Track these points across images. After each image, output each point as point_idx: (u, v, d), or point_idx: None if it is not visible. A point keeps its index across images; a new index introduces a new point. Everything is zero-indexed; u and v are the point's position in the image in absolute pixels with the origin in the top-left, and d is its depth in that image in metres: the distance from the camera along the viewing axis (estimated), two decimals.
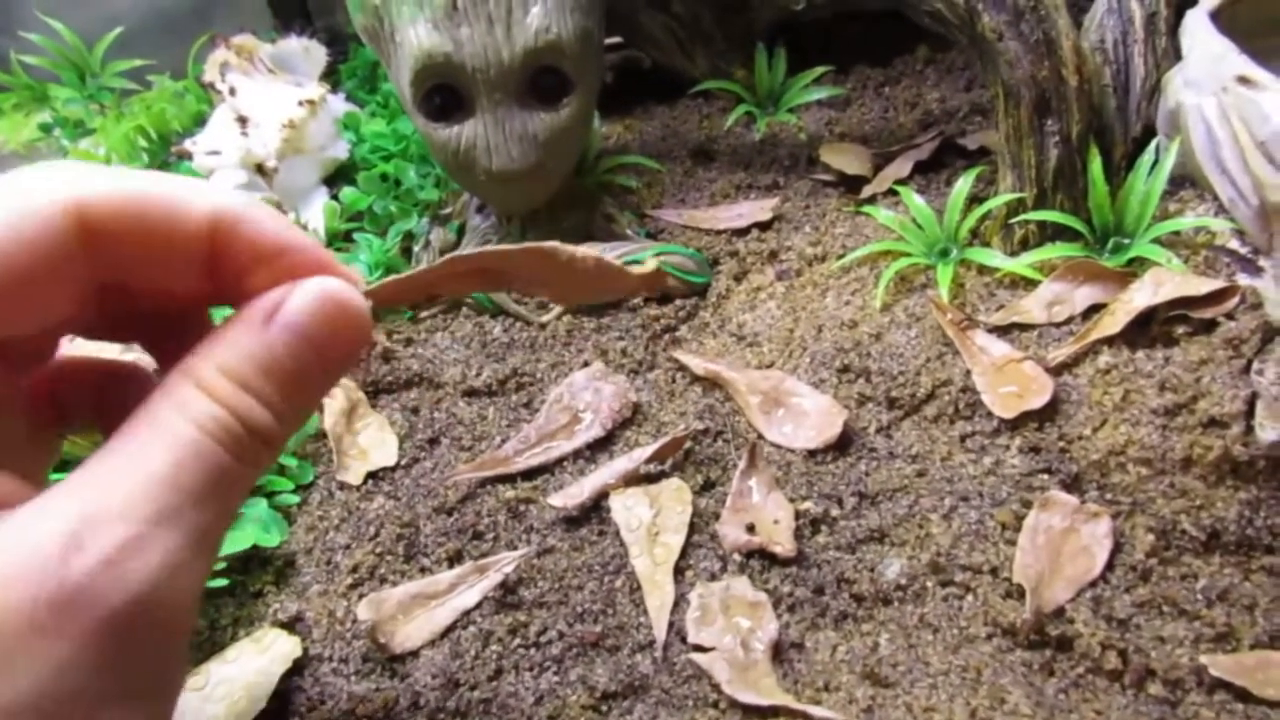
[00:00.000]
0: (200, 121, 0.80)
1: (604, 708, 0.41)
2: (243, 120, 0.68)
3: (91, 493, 0.22)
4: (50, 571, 0.20)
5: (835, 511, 0.48)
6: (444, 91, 0.57)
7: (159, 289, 0.26)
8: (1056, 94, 0.54)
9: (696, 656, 0.42)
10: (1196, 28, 0.54)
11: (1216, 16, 0.54)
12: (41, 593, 0.20)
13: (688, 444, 0.51)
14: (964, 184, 0.59)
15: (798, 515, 0.47)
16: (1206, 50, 0.53)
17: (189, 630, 0.24)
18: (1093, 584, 0.44)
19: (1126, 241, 0.56)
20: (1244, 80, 0.49)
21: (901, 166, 0.68)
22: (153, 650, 0.22)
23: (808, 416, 0.52)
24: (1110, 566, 0.44)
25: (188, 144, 0.70)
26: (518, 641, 0.44)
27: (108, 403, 0.29)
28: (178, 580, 0.22)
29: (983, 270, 0.58)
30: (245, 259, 0.25)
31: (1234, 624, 0.42)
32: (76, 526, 0.21)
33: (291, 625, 0.46)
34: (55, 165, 0.24)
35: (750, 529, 0.47)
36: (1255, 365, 0.47)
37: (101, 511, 0.21)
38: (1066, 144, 0.55)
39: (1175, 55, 0.57)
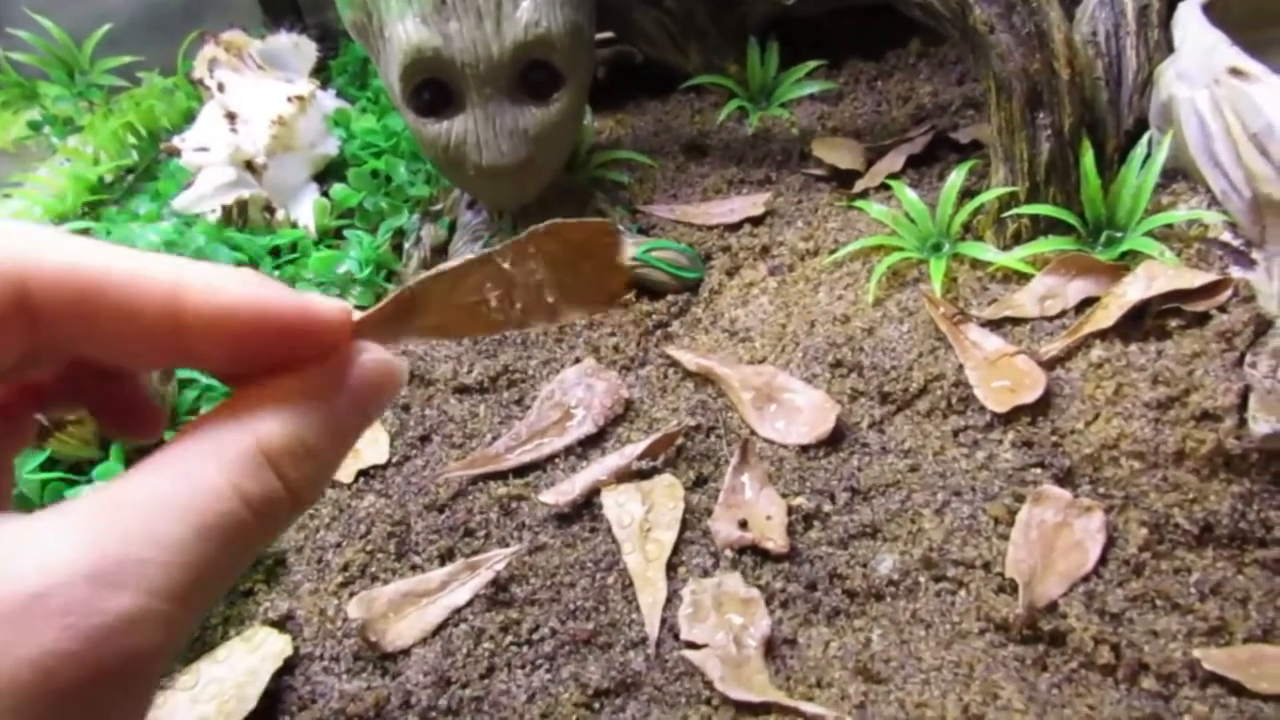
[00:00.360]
0: (190, 118, 0.80)
1: (596, 705, 0.41)
2: (231, 116, 0.68)
3: (119, 533, 0.20)
4: (77, 607, 0.19)
5: (828, 507, 0.48)
6: (433, 87, 0.57)
7: (114, 357, 0.24)
8: (1048, 87, 0.54)
9: (689, 653, 0.42)
10: (1189, 20, 0.54)
11: (1209, 9, 0.54)
12: (46, 623, 0.18)
13: (680, 440, 0.51)
14: (956, 178, 0.59)
15: (790, 511, 0.47)
16: (1199, 42, 0.52)
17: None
18: (1085, 578, 0.43)
19: (1119, 235, 0.55)
20: (1236, 72, 0.49)
21: (894, 160, 0.68)
22: (139, 703, 0.21)
23: (800, 412, 0.52)
24: (1103, 561, 0.44)
25: (176, 141, 0.69)
26: (509, 639, 0.44)
27: (92, 387, 0.27)
28: (160, 658, 0.21)
29: (975, 264, 0.58)
30: (220, 326, 0.23)
31: (1227, 617, 0.41)
32: (100, 570, 0.19)
33: (282, 624, 0.46)
34: (6, 229, 0.22)
35: (743, 525, 0.46)
36: (1248, 358, 0.47)
37: (130, 563, 0.20)
38: (1058, 137, 0.55)
39: (1168, 48, 0.57)
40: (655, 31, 0.77)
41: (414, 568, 0.48)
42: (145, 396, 0.28)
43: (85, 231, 0.70)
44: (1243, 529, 0.44)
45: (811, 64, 0.75)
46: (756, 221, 0.66)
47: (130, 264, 0.23)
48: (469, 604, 0.45)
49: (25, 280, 0.22)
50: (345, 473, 0.53)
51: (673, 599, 0.44)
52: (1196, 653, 0.40)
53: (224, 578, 0.22)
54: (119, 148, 0.80)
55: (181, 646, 0.22)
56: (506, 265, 0.28)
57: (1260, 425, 0.44)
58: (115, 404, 0.27)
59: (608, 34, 0.83)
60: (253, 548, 0.22)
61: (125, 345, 0.23)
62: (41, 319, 0.22)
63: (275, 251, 0.66)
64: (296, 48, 0.84)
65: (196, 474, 0.21)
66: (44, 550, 0.19)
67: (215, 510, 0.21)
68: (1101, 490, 0.46)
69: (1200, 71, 0.52)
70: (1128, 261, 0.54)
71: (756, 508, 0.47)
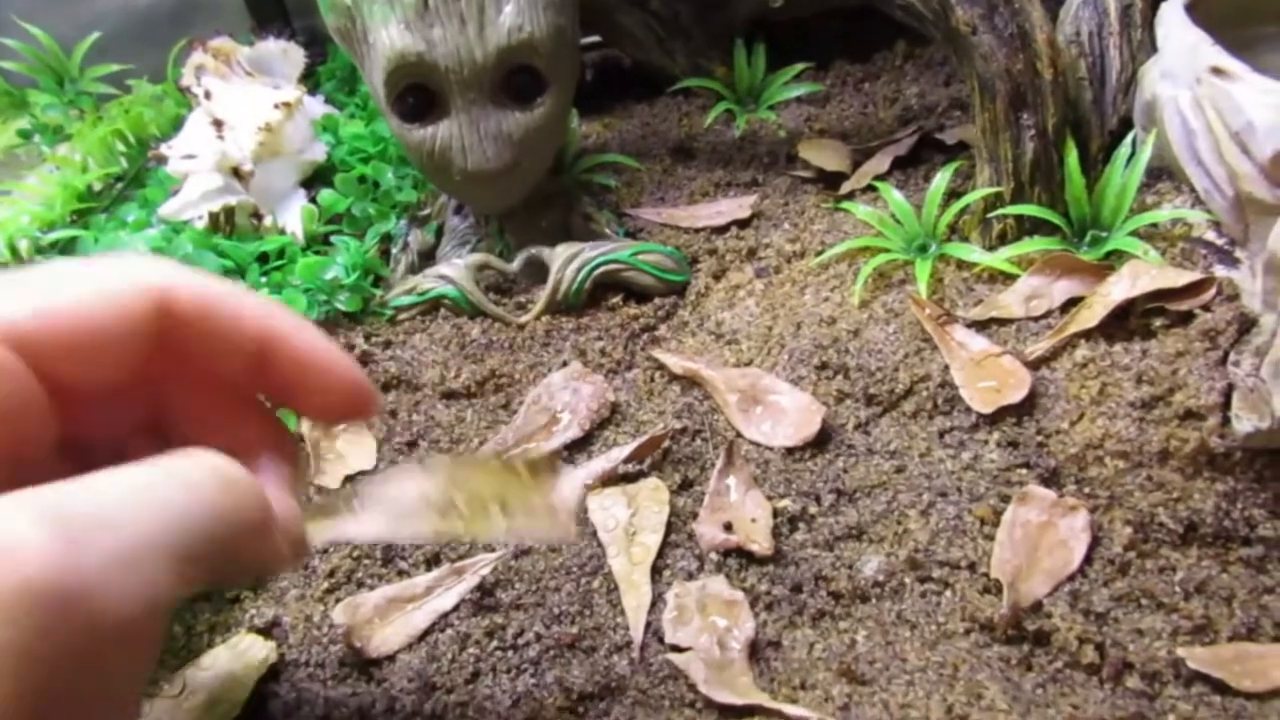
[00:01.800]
0: (178, 126, 0.80)
1: (580, 709, 0.41)
2: (218, 123, 0.68)
3: (89, 496, 0.22)
4: (28, 565, 0.20)
5: (813, 509, 0.48)
6: (417, 92, 0.57)
7: (205, 378, 0.31)
8: (1032, 87, 0.54)
9: (673, 656, 0.42)
10: (1172, 19, 0.54)
11: (1192, 8, 0.54)
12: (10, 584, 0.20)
13: (666, 443, 0.51)
14: (942, 179, 0.59)
15: (775, 513, 0.47)
16: (1181, 42, 0.53)
17: (152, 662, 0.24)
18: (1070, 578, 0.43)
19: (1104, 234, 0.56)
20: (1218, 71, 0.49)
21: (880, 162, 0.68)
22: (128, 668, 0.22)
23: (786, 414, 0.52)
24: (1088, 560, 0.44)
25: (163, 148, 0.69)
26: (494, 644, 0.44)
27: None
28: (157, 612, 0.22)
29: (961, 265, 0.58)
30: (287, 369, 0.30)
31: (1212, 616, 0.42)
32: (63, 532, 0.21)
33: (268, 630, 0.46)
34: (149, 258, 0.30)
35: (728, 528, 0.46)
36: (1231, 356, 0.47)
37: (93, 526, 0.21)
38: (1042, 137, 0.55)
39: (1151, 47, 0.57)
40: (641, 34, 0.77)
41: (400, 573, 0.48)
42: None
43: (73, 240, 0.70)
44: (1227, 527, 0.44)
45: (798, 66, 0.75)
46: (743, 224, 0.66)
47: (238, 295, 0.30)
48: (454, 609, 0.45)
49: (168, 291, 0.28)
50: (332, 478, 0.53)
51: (657, 602, 0.44)
52: (1181, 651, 0.40)
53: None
54: (108, 155, 0.80)
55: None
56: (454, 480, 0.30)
57: (1243, 424, 0.44)
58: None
59: (594, 38, 0.84)
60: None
61: (217, 363, 0.30)
62: (168, 325, 0.28)
63: (263, 258, 0.66)
64: (285, 54, 0.84)
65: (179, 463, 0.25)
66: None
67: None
68: (1086, 490, 0.46)
69: (1183, 71, 0.52)
70: (1112, 261, 0.54)
71: (742, 510, 0.47)
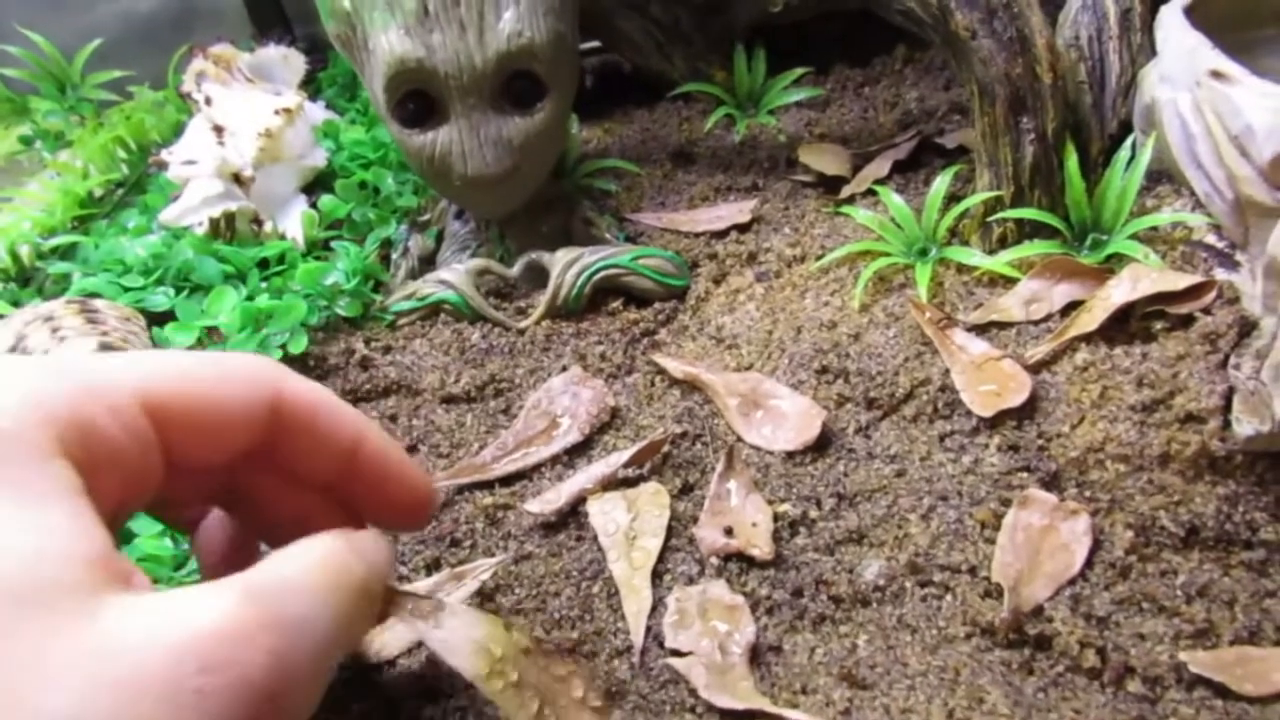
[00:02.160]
0: (179, 132, 0.80)
1: None
2: (218, 129, 0.68)
3: (290, 601, 0.25)
4: (222, 623, 0.22)
5: (814, 513, 0.48)
6: (417, 98, 0.57)
7: (293, 472, 0.34)
8: (1031, 91, 0.54)
9: (674, 661, 0.41)
10: (1171, 22, 0.54)
11: (1191, 11, 0.54)
12: (216, 641, 0.22)
13: (666, 447, 0.51)
14: (942, 183, 0.59)
15: (776, 517, 0.47)
16: (1180, 45, 0.53)
17: None
18: (1072, 582, 0.43)
19: (1104, 238, 0.56)
20: (1217, 74, 0.49)
21: (880, 166, 0.68)
22: None
23: (786, 418, 0.52)
24: (1089, 564, 0.44)
25: (164, 154, 0.69)
26: None
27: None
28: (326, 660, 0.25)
29: (961, 269, 0.58)
30: (369, 477, 0.34)
31: (1213, 620, 0.41)
32: (248, 595, 0.23)
33: None
34: (269, 360, 0.32)
35: (728, 532, 0.46)
36: (1232, 360, 0.47)
37: (273, 587, 0.24)
38: (1042, 141, 0.55)
39: (1151, 51, 0.57)
40: (640, 39, 0.77)
41: (401, 578, 0.48)
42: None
43: (74, 246, 0.70)
44: (1228, 531, 0.44)
45: (798, 71, 0.75)
46: (743, 229, 0.66)
47: (336, 406, 0.33)
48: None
49: (280, 391, 0.31)
50: None
51: (658, 607, 0.44)
52: (1183, 655, 0.40)
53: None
54: (109, 162, 0.80)
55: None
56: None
57: (1244, 427, 0.44)
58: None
59: (594, 43, 0.84)
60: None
61: (312, 462, 0.33)
62: (282, 422, 0.31)
63: (263, 263, 0.66)
64: (285, 60, 0.85)
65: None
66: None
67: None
68: (1087, 494, 0.46)
69: (1182, 74, 0.52)
70: (1113, 264, 0.54)
71: (742, 515, 0.47)
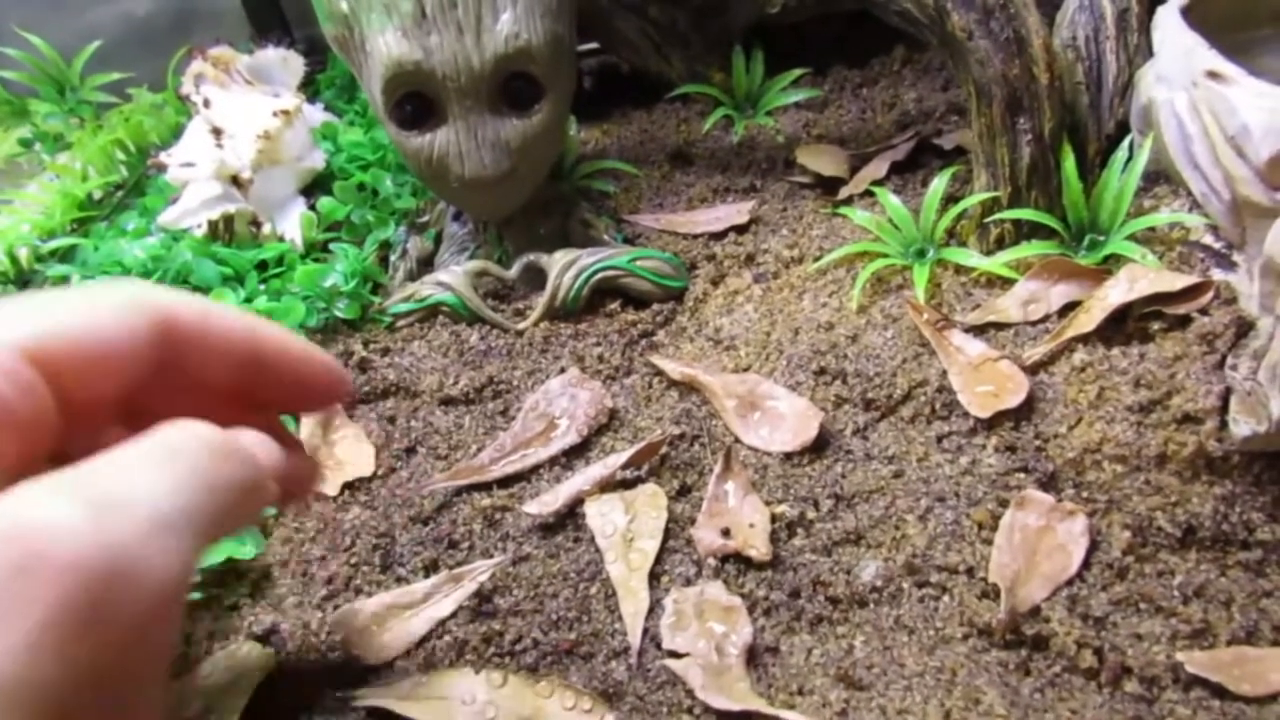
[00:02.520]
0: (178, 134, 0.80)
1: None
2: (217, 132, 0.68)
3: (107, 484, 0.24)
4: (70, 539, 0.22)
5: (811, 514, 0.48)
6: (415, 99, 0.57)
7: (194, 388, 0.33)
8: (1028, 92, 0.54)
9: (671, 662, 0.42)
10: (1167, 23, 0.54)
11: (1188, 11, 0.54)
12: (57, 556, 0.21)
13: (664, 449, 0.51)
14: (939, 184, 0.59)
15: (774, 518, 0.47)
16: (1177, 45, 0.53)
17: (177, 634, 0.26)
18: (1069, 582, 0.43)
19: (1101, 238, 0.56)
20: (1213, 75, 0.49)
21: (878, 167, 0.68)
22: (162, 640, 0.24)
23: (784, 419, 0.52)
24: (1086, 564, 0.44)
25: (162, 157, 0.69)
26: (492, 650, 0.43)
27: None
28: (176, 590, 0.24)
29: (959, 270, 0.58)
30: (274, 373, 0.34)
31: (1210, 620, 0.41)
32: (97, 509, 0.23)
33: (266, 638, 0.46)
34: (146, 283, 0.32)
35: (726, 533, 0.46)
36: (1229, 360, 0.47)
37: (128, 503, 0.23)
38: (1039, 142, 0.55)
39: (1148, 51, 0.57)
40: (638, 40, 0.77)
41: (399, 580, 0.48)
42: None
43: (73, 248, 0.70)
44: (1225, 531, 0.44)
45: (796, 72, 0.75)
46: (741, 230, 0.66)
47: (221, 310, 0.33)
48: (452, 615, 0.45)
49: (167, 310, 0.31)
50: (331, 485, 0.53)
51: (655, 608, 0.44)
52: (1180, 655, 0.40)
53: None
54: (108, 164, 0.80)
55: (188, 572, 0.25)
56: None
57: (1241, 427, 0.44)
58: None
59: (593, 45, 0.84)
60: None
61: (212, 370, 0.33)
62: (170, 340, 0.31)
63: (262, 265, 0.66)
64: (284, 62, 0.85)
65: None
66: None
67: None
68: (1084, 494, 0.46)
69: (1179, 74, 0.52)
70: (1110, 265, 0.54)
71: (739, 516, 0.47)
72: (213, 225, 0.66)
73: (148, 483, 0.24)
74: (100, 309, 0.29)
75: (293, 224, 0.69)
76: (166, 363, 0.31)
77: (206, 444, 0.27)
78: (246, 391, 0.34)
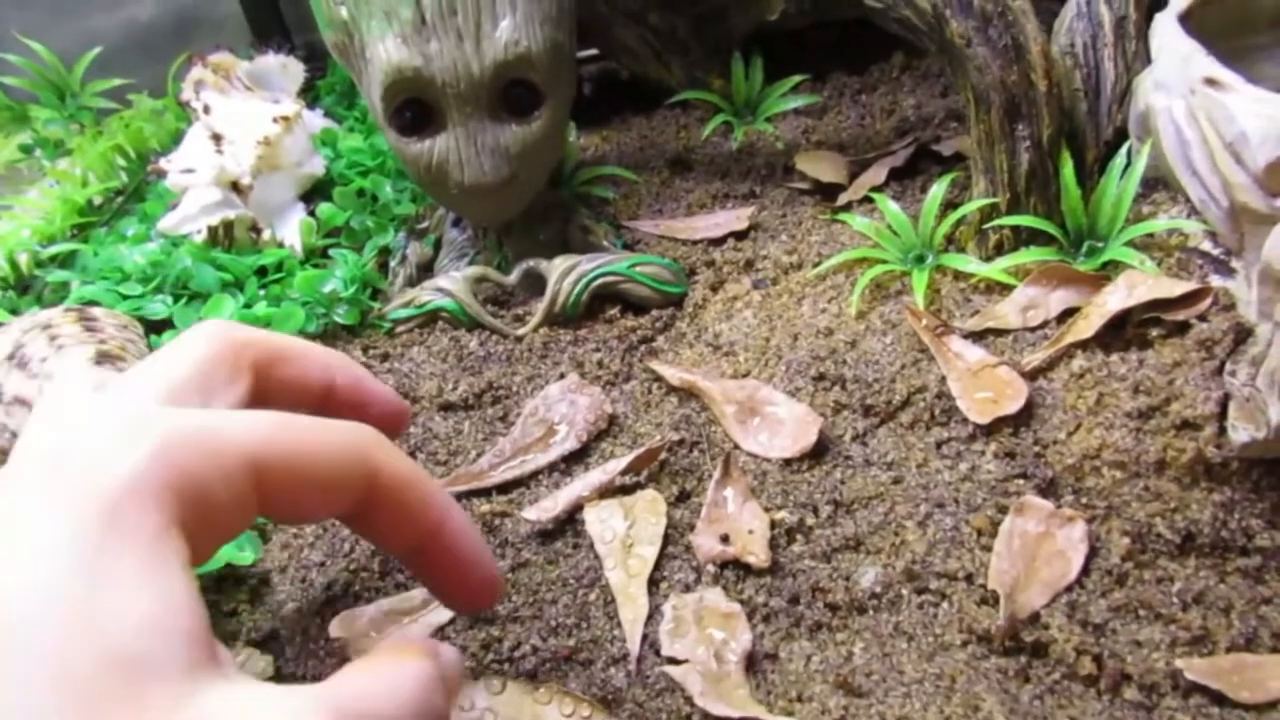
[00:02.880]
0: (178, 140, 0.80)
1: None
2: (217, 138, 0.68)
3: (352, 699, 0.25)
4: None
5: (810, 520, 0.48)
6: (415, 106, 0.57)
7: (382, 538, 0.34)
8: (1026, 99, 0.54)
9: (670, 669, 0.42)
10: (1165, 30, 0.55)
11: (1185, 18, 0.54)
12: None
13: (663, 455, 0.51)
14: (938, 190, 0.59)
15: (773, 525, 0.47)
16: (1175, 52, 0.53)
17: None
18: (1068, 589, 0.43)
19: (1100, 245, 0.56)
20: (1211, 82, 0.50)
21: (877, 173, 0.68)
22: None
23: (783, 425, 0.52)
24: (1086, 571, 0.44)
25: (162, 163, 0.70)
26: (491, 657, 0.43)
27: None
28: None
29: (958, 276, 0.58)
30: (445, 556, 0.34)
31: (1210, 627, 0.41)
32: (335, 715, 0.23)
33: (265, 644, 0.46)
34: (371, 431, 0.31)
35: (725, 539, 0.46)
36: (1228, 366, 0.47)
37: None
38: (1038, 148, 0.55)
39: (1146, 58, 0.57)
40: (638, 48, 0.77)
41: (398, 586, 0.48)
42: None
43: (72, 254, 0.70)
44: (1224, 538, 0.44)
45: (796, 78, 0.76)
46: (740, 236, 0.66)
47: (425, 476, 0.33)
48: (450, 622, 0.45)
49: (377, 464, 0.30)
50: None
51: (654, 615, 0.44)
52: (1179, 662, 0.40)
53: None
54: (108, 170, 0.80)
55: None
56: None
57: (1239, 433, 0.44)
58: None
59: (592, 51, 0.84)
60: None
61: (398, 538, 0.33)
62: (374, 496, 0.31)
63: (261, 271, 0.66)
64: (284, 68, 0.85)
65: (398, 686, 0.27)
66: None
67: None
68: (1084, 500, 0.46)
69: (1177, 81, 0.52)
70: (1109, 271, 0.54)
71: (739, 522, 0.47)
72: (212, 231, 0.66)
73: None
74: (329, 446, 0.29)
75: (292, 230, 0.69)
76: (362, 510, 0.31)
77: (448, 696, 0.28)
78: (414, 559, 0.35)
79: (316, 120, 0.81)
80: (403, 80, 0.55)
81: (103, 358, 0.52)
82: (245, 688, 0.23)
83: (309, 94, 0.88)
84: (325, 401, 0.35)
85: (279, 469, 0.28)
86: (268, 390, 0.32)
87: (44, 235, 0.72)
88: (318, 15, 0.59)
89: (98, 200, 0.79)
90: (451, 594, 0.36)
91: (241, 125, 0.70)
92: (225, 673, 0.23)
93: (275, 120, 0.71)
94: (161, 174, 0.70)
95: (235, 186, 0.68)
